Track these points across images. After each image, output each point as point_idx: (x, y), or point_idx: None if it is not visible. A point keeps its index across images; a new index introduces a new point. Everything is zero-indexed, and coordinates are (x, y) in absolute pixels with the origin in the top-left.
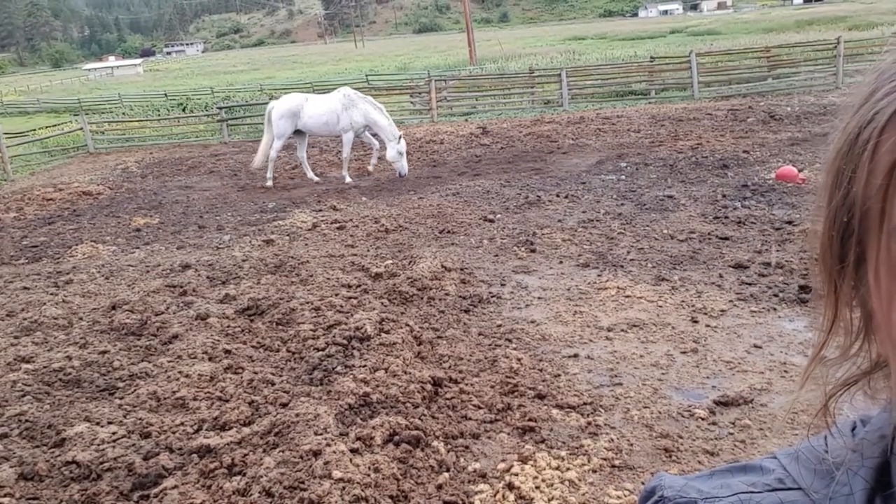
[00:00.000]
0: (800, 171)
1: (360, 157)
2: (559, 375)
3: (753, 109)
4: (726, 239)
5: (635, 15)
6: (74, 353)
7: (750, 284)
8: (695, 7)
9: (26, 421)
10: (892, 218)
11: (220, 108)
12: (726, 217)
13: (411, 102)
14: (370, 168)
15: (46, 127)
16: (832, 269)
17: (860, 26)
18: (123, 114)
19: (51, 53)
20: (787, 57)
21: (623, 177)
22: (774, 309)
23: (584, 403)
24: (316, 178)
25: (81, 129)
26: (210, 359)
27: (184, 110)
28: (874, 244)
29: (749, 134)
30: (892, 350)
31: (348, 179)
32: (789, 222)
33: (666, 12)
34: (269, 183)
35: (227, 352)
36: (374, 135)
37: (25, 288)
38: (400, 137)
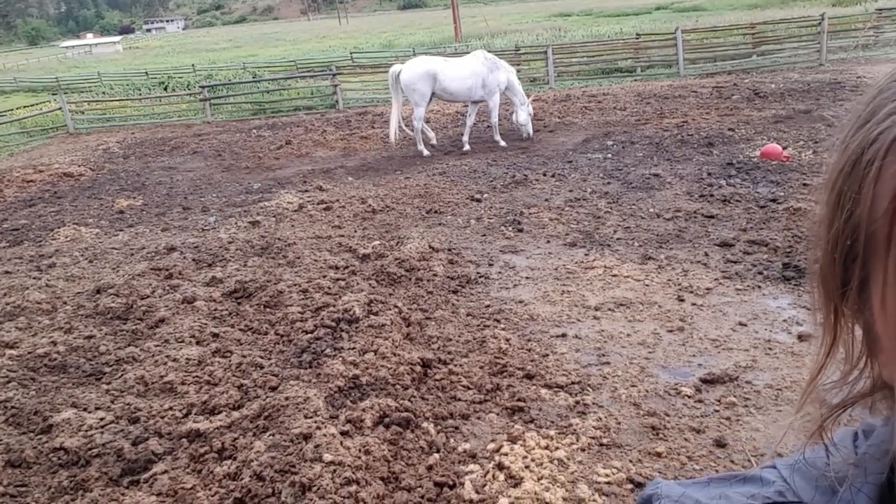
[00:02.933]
0: (784, 148)
1: (346, 135)
2: (547, 355)
3: (738, 87)
4: (712, 217)
5: None
6: (59, 338)
7: (735, 262)
8: None
9: (12, 408)
10: None
11: (203, 87)
12: (712, 195)
13: None
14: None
15: (24, 107)
16: (833, 293)
17: (844, 2)
18: (103, 93)
19: (27, 31)
20: (772, 34)
21: (609, 155)
22: (759, 287)
23: (573, 383)
24: (427, 152)
25: (60, 108)
26: (198, 342)
27: (165, 89)
28: (880, 268)
29: (734, 111)
30: None
31: (503, 143)
32: (773, 200)
33: None
34: (426, 152)
35: (215, 335)
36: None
37: (7, 272)
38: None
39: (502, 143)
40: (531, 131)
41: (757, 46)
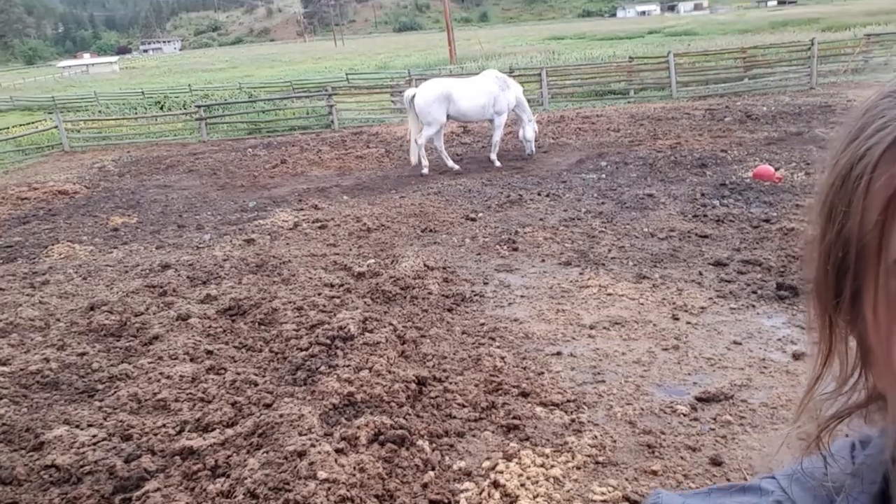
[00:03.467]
0: (776, 169)
1: (341, 155)
2: (543, 373)
3: (730, 109)
4: (705, 237)
5: (613, 15)
6: (52, 354)
7: (729, 282)
8: (672, 8)
9: (3, 424)
10: (889, 254)
11: (199, 107)
12: (705, 215)
13: (392, 101)
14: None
15: (20, 125)
16: (827, 304)
17: (833, 28)
18: (99, 112)
19: (24, 51)
20: (763, 57)
21: (603, 175)
22: (753, 306)
23: (568, 401)
24: (457, 167)
25: (56, 127)
26: (191, 360)
27: (161, 108)
28: (871, 279)
29: (726, 133)
30: (891, 384)
31: (497, 163)
32: (767, 220)
33: (644, 13)
34: (425, 171)
35: (209, 352)
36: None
37: (0, 289)
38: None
39: (497, 163)
40: (534, 148)
41: (748, 70)
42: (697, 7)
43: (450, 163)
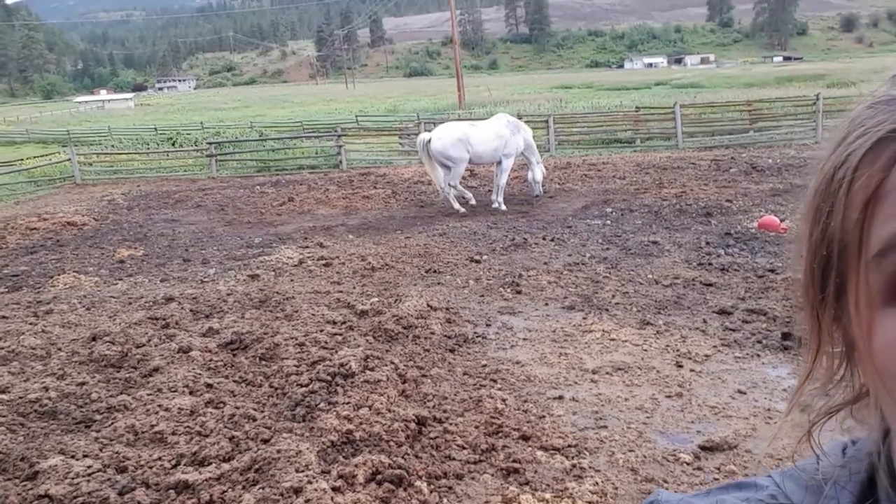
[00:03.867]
0: (782, 220)
1: (348, 194)
2: (544, 417)
3: (736, 160)
4: (710, 285)
5: (621, 67)
6: (52, 384)
7: (734, 330)
8: (679, 61)
9: None
10: (868, 250)
11: (210, 144)
12: (710, 264)
13: (400, 144)
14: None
15: (34, 157)
16: (814, 301)
17: (838, 84)
18: (112, 146)
19: (42, 85)
20: (769, 111)
21: (608, 222)
22: (758, 355)
23: (569, 446)
24: (462, 210)
25: (69, 159)
26: (191, 392)
27: (173, 144)
28: (853, 275)
29: (732, 184)
30: (873, 377)
31: (503, 207)
32: (772, 270)
33: (651, 65)
34: (463, 210)
35: (209, 386)
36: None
37: (3, 317)
38: None
39: (503, 207)
40: (542, 190)
41: (754, 123)
42: (704, 61)
43: (456, 205)
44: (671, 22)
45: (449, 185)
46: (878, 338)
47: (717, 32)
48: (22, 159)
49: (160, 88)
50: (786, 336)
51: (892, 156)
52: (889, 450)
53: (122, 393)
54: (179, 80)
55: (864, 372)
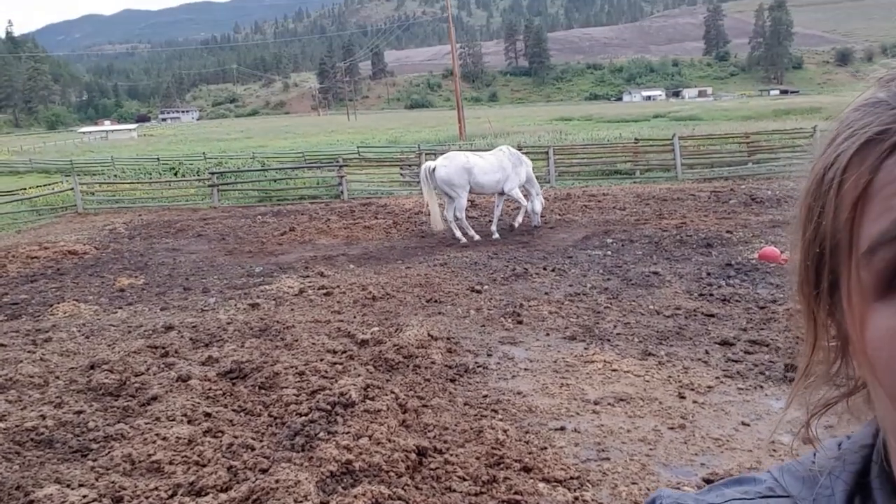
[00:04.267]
0: (782, 252)
1: (349, 224)
2: (546, 448)
3: (735, 192)
4: (712, 316)
5: (620, 99)
6: (49, 412)
7: (736, 361)
8: (677, 94)
9: None
10: (859, 249)
11: (212, 174)
12: (711, 294)
13: (401, 174)
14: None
15: (37, 186)
16: (809, 297)
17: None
18: (115, 176)
19: (47, 116)
20: (767, 143)
21: (609, 252)
22: (761, 387)
23: (571, 478)
24: (464, 240)
25: (72, 189)
26: (189, 421)
27: (175, 174)
28: (846, 272)
29: (732, 215)
30: (868, 370)
31: (497, 235)
32: (773, 301)
33: (649, 98)
34: (477, 237)
35: (207, 415)
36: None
37: (2, 345)
38: None
39: (496, 235)
40: (540, 221)
41: (752, 155)
42: (702, 94)
43: (458, 234)
44: (668, 56)
45: (455, 217)
46: (870, 330)
47: (713, 66)
48: (25, 188)
49: (163, 119)
50: (789, 367)
51: (878, 157)
52: (884, 441)
53: (119, 422)
54: (183, 112)
55: (859, 364)
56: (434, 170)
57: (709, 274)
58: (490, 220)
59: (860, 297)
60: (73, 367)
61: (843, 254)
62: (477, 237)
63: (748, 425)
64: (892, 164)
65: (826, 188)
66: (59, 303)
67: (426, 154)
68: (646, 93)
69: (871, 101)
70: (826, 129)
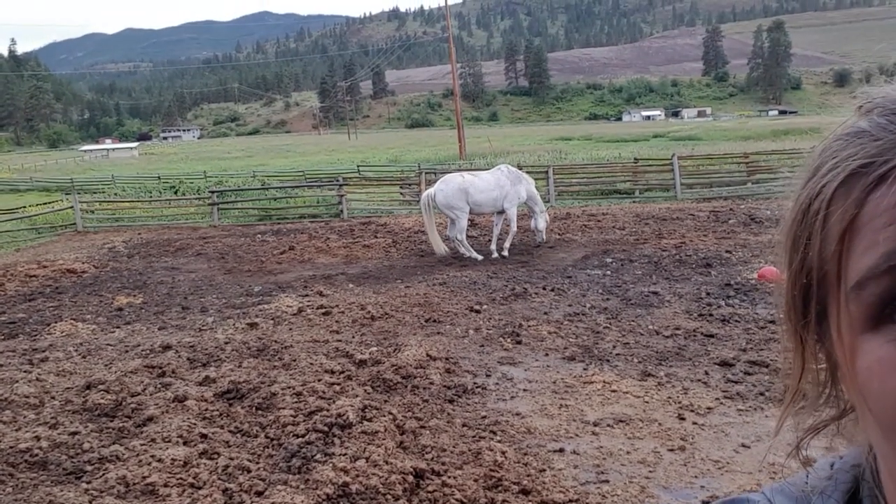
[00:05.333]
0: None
1: (348, 243)
2: (544, 470)
3: (734, 212)
4: (711, 336)
5: (619, 119)
6: (43, 433)
7: (736, 382)
8: (676, 114)
9: None
10: (847, 282)
11: (213, 192)
12: (711, 315)
13: (401, 193)
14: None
15: (37, 204)
16: (797, 325)
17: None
18: (115, 194)
19: (48, 134)
20: (766, 163)
21: (608, 272)
22: (762, 408)
23: (571, 500)
24: (479, 257)
25: (72, 207)
26: (185, 443)
27: (176, 193)
28: (834, 302)
29: (731, 235)
30: (856, 397)
31: (496, 254)
32: (773, 321)
33: (649, 118)
34: (480, 257)
35: (203, 436)
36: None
37: None
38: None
39: (494, 254)
40: (544, 237)
41: (751, 174)
42: (701, 114)
43: (471, 253)
44: (668, 76)
45: (457, 238)
46: (860, 361)
47: (712, 86)
48: (25, 206)
49: (164, 138)
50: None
51: (863, 190)
52: (874, 461)
53: (114, 443)
54: (184, 130)
55: (848, 390)
56: (434, 196)
57: (708, 294)
58: (489, 240)
59: (849, 327)
60: (69, 387)
61: (830, 285)
62: (479, 257)
63: (748, 447)
64: (878, 198)
65: (812, 219)
66: (56, 322)
67: (427, 173)
68: (645, 113)
69: (854, 132)
70: (810, 151)
